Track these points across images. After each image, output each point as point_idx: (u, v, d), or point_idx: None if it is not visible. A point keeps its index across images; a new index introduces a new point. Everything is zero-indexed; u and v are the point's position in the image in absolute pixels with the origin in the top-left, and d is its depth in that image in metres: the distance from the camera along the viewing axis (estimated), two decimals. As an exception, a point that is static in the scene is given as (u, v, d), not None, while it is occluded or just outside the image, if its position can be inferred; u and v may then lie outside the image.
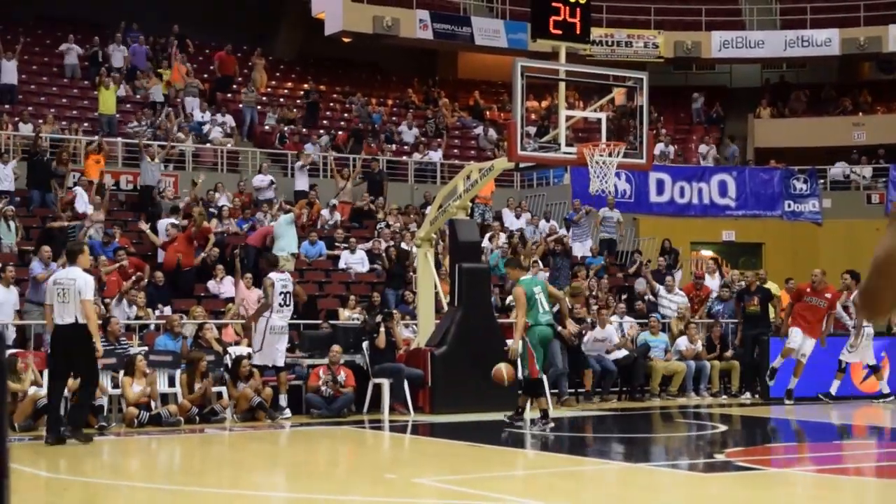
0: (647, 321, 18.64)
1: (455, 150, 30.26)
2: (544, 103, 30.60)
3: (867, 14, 32.80)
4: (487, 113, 32.68)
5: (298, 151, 25.28)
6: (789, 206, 27.31)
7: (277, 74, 32.39)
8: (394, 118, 31.17)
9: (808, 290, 16.67)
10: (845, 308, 17.63)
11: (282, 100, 30.33)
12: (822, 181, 28.43)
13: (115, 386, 13.67)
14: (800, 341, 16.24)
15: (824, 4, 33.85)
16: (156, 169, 21.56)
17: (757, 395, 17.84)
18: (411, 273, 19.05)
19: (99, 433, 12.45)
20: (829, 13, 33.38)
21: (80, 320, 11.35)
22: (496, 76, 33.95)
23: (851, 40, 32.48)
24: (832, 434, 13.97)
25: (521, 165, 16.09)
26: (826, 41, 32.72)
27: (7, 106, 25.07)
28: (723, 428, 14.11)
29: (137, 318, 16.11)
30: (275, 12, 33.28)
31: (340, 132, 28.58)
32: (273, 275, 14.65)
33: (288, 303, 14.59)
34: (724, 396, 18.08)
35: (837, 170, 29.56)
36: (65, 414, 11.83)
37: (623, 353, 17.57)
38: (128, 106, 26.10)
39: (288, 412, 14.36)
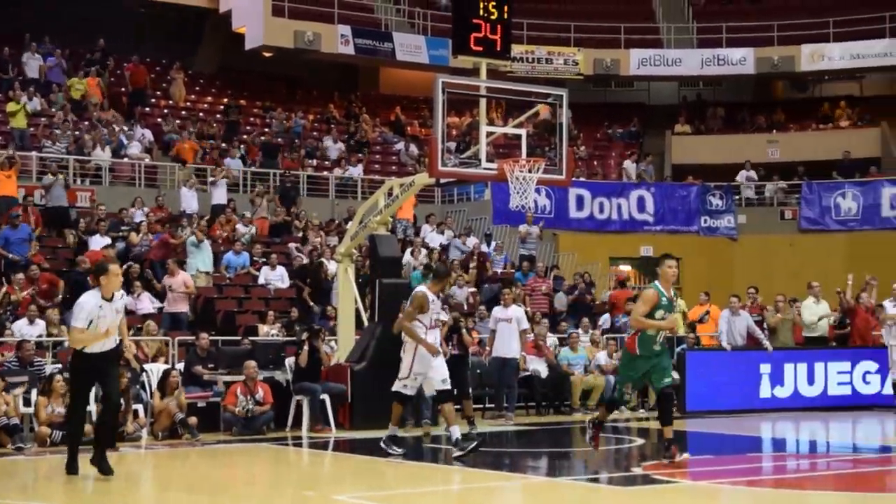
0: (567, 336, 18.81)
1: (376, 166, 30.24)
2: (465, 119, 30.72)
3: (780, 34, 33.50)
4: (409, 128, 32.73)
5: (217, 166, 25.08)
6: (705, 221, 27.80)
7: (197, 88, 32.10)
8: (314, 133, 31.07)
9: None
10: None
11: (201, 114, 30.06)
12: (737, 197, 28.93)
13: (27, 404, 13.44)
14: None
15: (739, 24, 34.52)
16: (61, 190, 21.24)
17: (674, 409, 18.04)
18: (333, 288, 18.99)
19: (16, 453, 12.24)
20: (744, 33, 34.05)
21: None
22: (418, 92, 34.03)
23: (766, 59, 33.15)
24: (749, 446, 14.17)
25: (442, 181, 16.15)
26: (741, 60, 33.36)
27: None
28: (640, 441, 14.25)
29: (50, 335, 15.83)
30: (195, 26, 33.01)
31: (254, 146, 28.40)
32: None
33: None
34: (642, 410, 18.26)
35: (750, 184, 30.02)
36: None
37: (544, 368, 17.70)
38: (42, 120, 25.64)
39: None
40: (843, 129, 33.47)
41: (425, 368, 11.75)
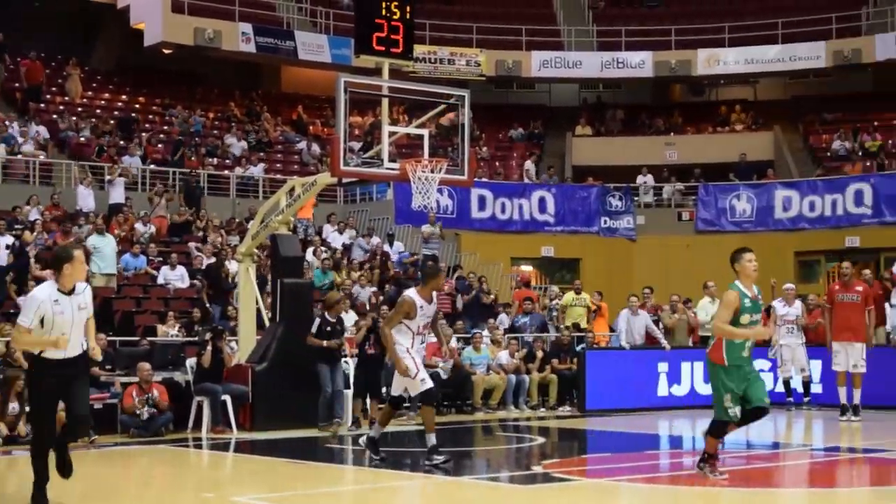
0: (470, 336, 18.91)
1: (278, 165, 30.03)
2: (368, 119, 30.68)
3: (678, 38, 34.12)
4: (311, 127, 32.57)
5: (115, 164, 24.67)
6: (605, 222, 28.15)
7: (94, 85, 31.52)
8: (215, 131, 30.74)
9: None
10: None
11: (98, 111, 29.52)
12: (636, 199, 29.38)
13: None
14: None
15: (638, 28, 35.07)
16: None
17: (574, 408, 18.30)
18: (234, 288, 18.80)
19: None
20: (643, 36, 34.59)
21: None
22: (320, 91, 33.89)
23: (664, 63, 33.72)
24: (647, 444, 14.39)
25: (344, 181, 16.08)
26: (640, 63, 33.89)
27: None
28: (541, 440, 14.38)
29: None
30: (93, 22, 32.41)
31: (160, 145, 27.99)
32: None
33: None
34: (543, 409, 18.44)
35: (649, 185, 30.54)
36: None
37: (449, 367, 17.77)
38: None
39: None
40: (738, 133, 34.23)
41: (420, 358, 11.11)
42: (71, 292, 8.44)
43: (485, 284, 22.36)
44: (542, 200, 28.47)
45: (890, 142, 31.71)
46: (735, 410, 9.49)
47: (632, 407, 17.76)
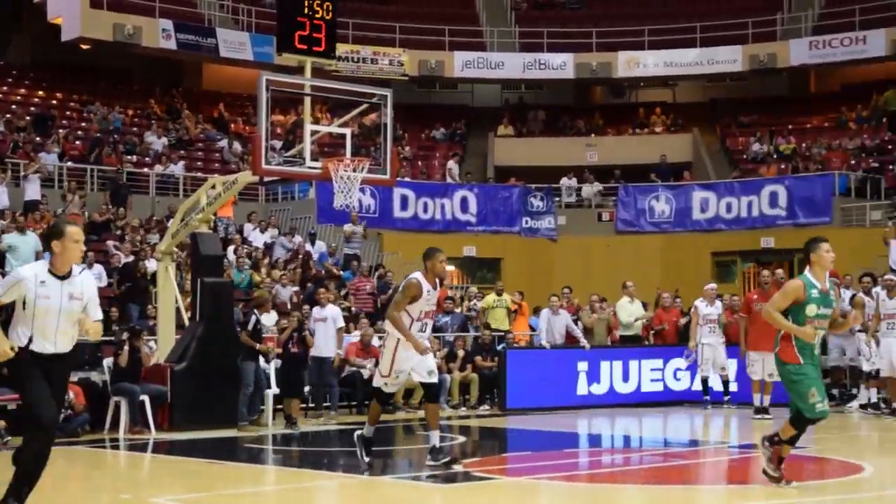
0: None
1: (199, 163, 29.74)
2: (290, 118, 30.52)
3: (599, 41, 34.47)
4: (232, 125, 32.32)
5: (31, 161, 24.23)
6: (527, 222, 28.33)
7: (10, 80, 30.94)
8: (134, 128, 30.35)
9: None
10: None
11: (14, 106, 28.98)
12: (556, 199, 29.61)
13: None
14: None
15: (560, 30, 35.35)
16: None
17: (495, 406, 18.40)
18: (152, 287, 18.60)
19: None
20: (564, 38, 34.87)
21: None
22: (242, 88, 33.63)
23: (584, 65, 34.05)
24: (566, 443, 14.53)
25: (266, 179, 16.02)
26: (561, 65, 34.18)
27: None
28: (462, 439, 14.45)
29: None
30: (9, 16, 31.80)
31: (78, 142, 27.57)
32: None
33: None
34: (464, 408, 18.51)
35: (572, 188, 30.83)
36: None
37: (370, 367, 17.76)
38: None
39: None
40: (657, 135, 34.68)
41: (407, 364, 10.54)
42: (65, 277, 7.34)
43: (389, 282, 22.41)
44: (464, 200, 28.57)
45: (804, 145, 32.37)
46: (824, 405, 9.01)
47: (552, 406, 17.91)
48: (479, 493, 9.57)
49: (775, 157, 32.17)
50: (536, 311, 20.78)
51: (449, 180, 30.67)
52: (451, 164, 31.74)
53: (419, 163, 32.91)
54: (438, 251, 10.67)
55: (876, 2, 32.77)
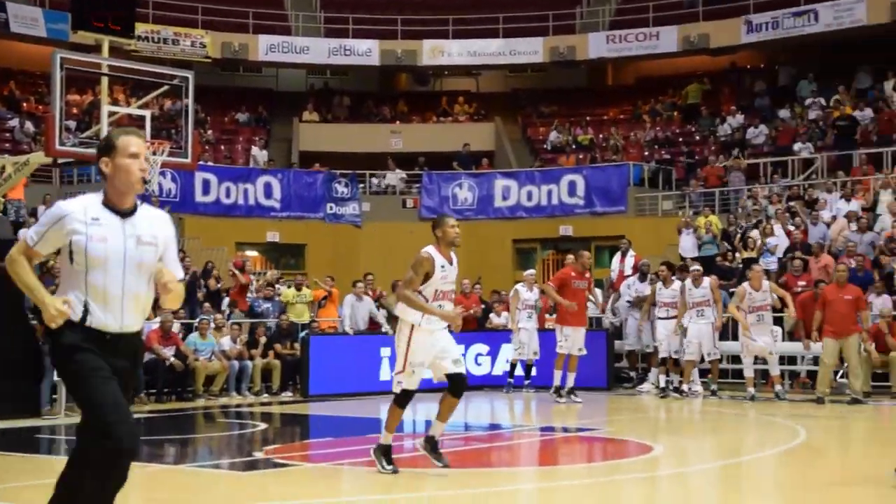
0: (197, 322, 18.60)
1: (-12, 143, 28.47)
2: (87, 98, 29.56)
3: (404, 28, 34.67)
4: (24, 104, 31.04)
5: None
6: (331, 208, 28.26)
7: None
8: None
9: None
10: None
11: None
12: (361, 185, 29.66)
13: None
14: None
15: (365, 16, 35.37)
16: None
17: (297, 393, 18.35)
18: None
19: None
20: (370, 25, 34.93)
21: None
22: (35, 66, 32.29)
23: (390, 52, 34.20)
24: (369, 428, 14.60)
25: (60, 161, 15.49)
26: (367, 52, 34.23)
27: None
28: (263, 426, 14.36)
29: None
30: None
31: None
32: None
33: None
34: (266, 395, 18.39)
35: (381, 173, 30.95)
36: None
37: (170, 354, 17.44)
38: None
39: None
40: (461, 123, 35.15)
41: (426, 355, 9.05)
42: (127, 214, 5.12)
43: (216, 270, 22.04)
44: (267, 185, 28.29)
45: (601, 136, 33.39)
46: None
47: (355, 391, 17.97)
48: (280, 479, 9.53)
49: (574, 147, 33.07)
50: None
51: (253, 165, 30.30)
52: (256, 150, 31.36)
53: (222, 147, 32.38)
54: (447, 215, 9.39)
55: (668, -1, 34.15)
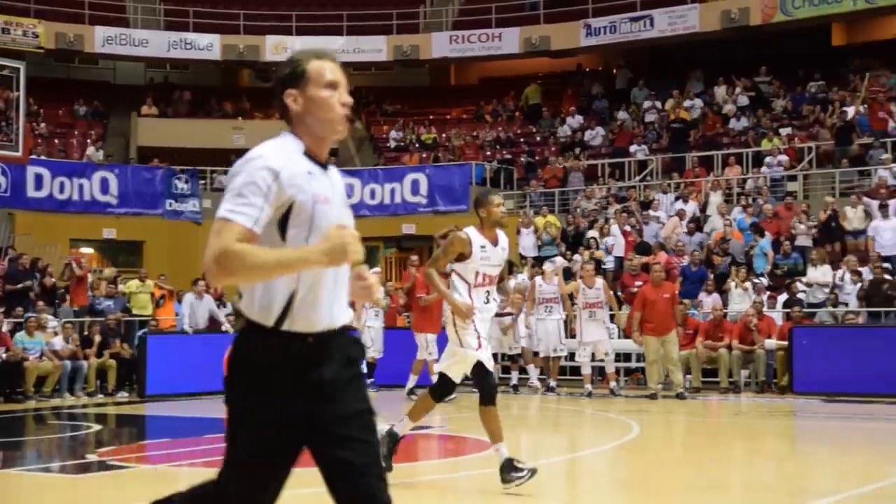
0: (24, 321, 18.04)
1: None
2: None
3: (247, 23, 34.28)
4: None
5: None
6: (170, 205, 27.75)
7: None
8: None
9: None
10: None
11: None
12: (202, 182, 29.20)
13: None
14: None
15: (207, 10, 34.83)
16: None
17: (133, 393, 17.97)
18: None
19: None
20: (212, 19, 34.41)
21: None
22: None
23: (232, 47, 33.76)
24: (207, 428, 14.40)
25: None
26: (208, 46, 33.71)
27: None
28: (97, 427, 14.01)
29: None
30: None
31: None
32: None
33: None
34: (101, 395, 17.95)
35: (225, 170, 30.51)
36: None
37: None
38: None
39: None
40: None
41: (485, 329, 8.28)
42: (326, 166, 3.90)
43: (50, 267, 21.38)
44: (104, 181, 27.54)
45: (444, 135, 33.65)
46: None
47: (195, 391, 17.69)
48: (114, 482, 9.31)
49: (417, 145, 33.24)
50: (179, 296, 20.43)
51: (87, 160, 29.48)
52: (91, 149, 30.46)
53: (56, 141, 31.41)
54: (493, 193, 8.50)
55: (510, 2, 34.60)
